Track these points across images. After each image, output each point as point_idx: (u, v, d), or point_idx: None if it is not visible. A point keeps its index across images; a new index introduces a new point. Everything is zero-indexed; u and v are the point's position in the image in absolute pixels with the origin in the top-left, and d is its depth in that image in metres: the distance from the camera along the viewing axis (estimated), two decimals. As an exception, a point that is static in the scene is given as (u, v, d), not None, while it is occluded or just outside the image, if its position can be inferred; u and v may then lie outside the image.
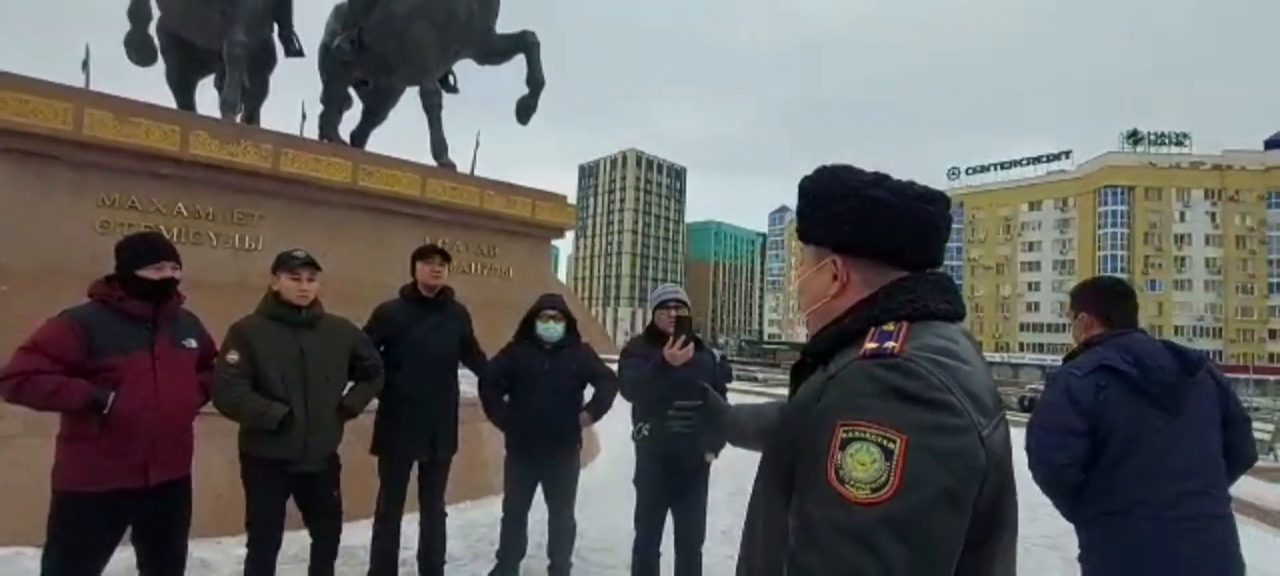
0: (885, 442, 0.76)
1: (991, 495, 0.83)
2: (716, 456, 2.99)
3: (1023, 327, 74.28)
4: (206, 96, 7.33)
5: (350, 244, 5.53)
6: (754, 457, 1.23)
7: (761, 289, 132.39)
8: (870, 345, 0.87)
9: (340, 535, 2.88)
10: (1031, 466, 2.00)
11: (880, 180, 1.00)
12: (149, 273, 2.29)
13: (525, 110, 7.37)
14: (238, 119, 5.81)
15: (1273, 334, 63.16)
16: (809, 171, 1.06)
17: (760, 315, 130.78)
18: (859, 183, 0.99)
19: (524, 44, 7.18)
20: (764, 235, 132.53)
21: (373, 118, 7.88)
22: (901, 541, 0.74)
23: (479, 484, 4.62)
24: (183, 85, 6.93)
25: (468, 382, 3.41)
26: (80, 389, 2.15)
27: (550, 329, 3.25)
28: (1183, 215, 66.60)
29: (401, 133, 8.13)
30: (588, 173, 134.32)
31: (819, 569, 0.76)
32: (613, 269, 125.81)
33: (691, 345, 2.77)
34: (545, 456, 3.28)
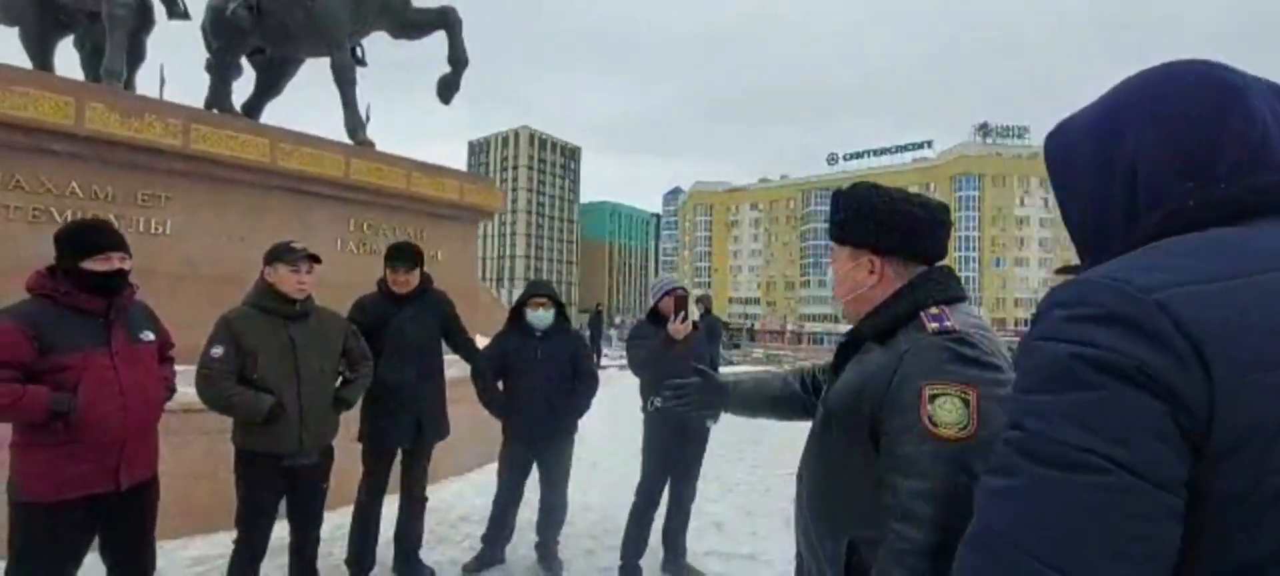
0: (964, 396, 1.05)
1: None
2: (716, 422, 3.25)
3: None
4: (64, 58, 6.52)
5: (270, 228, 5.17)
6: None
7: (656, 268, 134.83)
8: (933, 325, 1.14)
9: (321, 526, 2.85)
10: None
11: (907, 197, 1.30)
12: (96, 265, 2.13)
13: (448, 89, 7.16)
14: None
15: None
16: (847, 188, 1.36)
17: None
18: (893, 199, 1.29)
19: (445, 21, 6.97)
20: (658, 215, 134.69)
21: (267, 91, 7.27)
22: (983, 461, 1.03)
23: (437, 468, 4.59)
24: (41, 46, 6.16)
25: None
26: (40, 400, 2.00)
27: (541, 316, 3.32)
28: (1023, 200, 75.71)
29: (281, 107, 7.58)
30: (478, 150, 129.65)
31: (928, 488, 1.03)
32: (506, 248, 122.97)
33: (689, 321, 3.01)
34: (541, 442, 3.36)
